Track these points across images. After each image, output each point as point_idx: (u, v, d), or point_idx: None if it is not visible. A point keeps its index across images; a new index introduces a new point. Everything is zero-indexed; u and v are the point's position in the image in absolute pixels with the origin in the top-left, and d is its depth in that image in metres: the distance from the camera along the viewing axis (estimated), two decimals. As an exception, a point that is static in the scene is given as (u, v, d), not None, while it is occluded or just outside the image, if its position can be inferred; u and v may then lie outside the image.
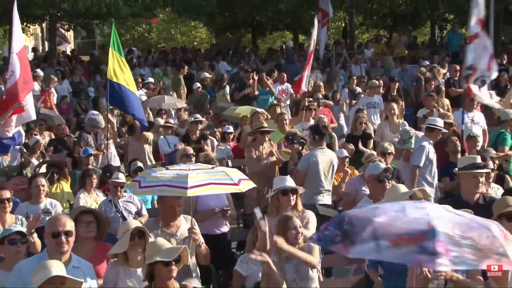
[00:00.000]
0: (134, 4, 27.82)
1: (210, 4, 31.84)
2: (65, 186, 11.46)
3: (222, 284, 8.33)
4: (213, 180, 7.09)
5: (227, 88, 21.64)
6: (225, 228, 9.14)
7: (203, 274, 8.30)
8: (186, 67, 23.33)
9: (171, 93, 20.33)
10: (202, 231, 8.38)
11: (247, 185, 7.49)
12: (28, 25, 33.40)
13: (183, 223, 7.14)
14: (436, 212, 4.77)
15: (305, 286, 6.66)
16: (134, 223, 6.74)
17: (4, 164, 13.21)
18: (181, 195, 7.02)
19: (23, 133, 13.22)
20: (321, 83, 19.05)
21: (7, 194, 8.08)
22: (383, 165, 9.12)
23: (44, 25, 34.61)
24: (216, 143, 14.56)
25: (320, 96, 17.20)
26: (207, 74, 22.53)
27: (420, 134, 11.84)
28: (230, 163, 13.28)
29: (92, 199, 10.12)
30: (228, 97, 20.70)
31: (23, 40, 12.91)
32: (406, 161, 10.85)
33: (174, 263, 5.75)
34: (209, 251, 7.37)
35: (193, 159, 10.75)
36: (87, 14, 28.06)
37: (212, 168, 7.67)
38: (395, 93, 18.22)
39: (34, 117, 13.75)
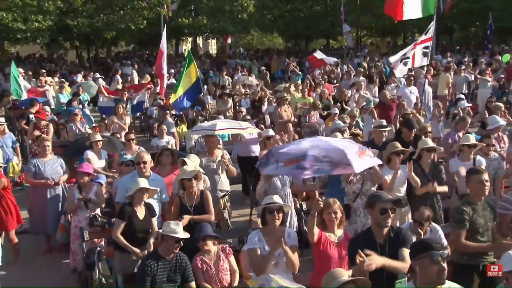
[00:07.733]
0: (237, 26, 26.92)
1: (280, 25, 31.33)
2: (184, 128, 11.10)
3: (254, 184, 7.80)
4: (231, 126, 7.12)
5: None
6: (257, 153, 8.32)
7: (243, 181, 7.95)
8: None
9: (252, 75, 19.30)
10: (244, 154, 7.95)
11: (250, 130, 7.45)
12: (183, 38, 33.16)
13: (220, 153, 6.48)
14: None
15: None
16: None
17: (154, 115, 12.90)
18: (211, 134, 6.56)
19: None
20: (334, 69, 17.56)
21: (132, 136, 7.62)
22: (342, 124, 8.14)
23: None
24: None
25: (325, 77, 15.78)
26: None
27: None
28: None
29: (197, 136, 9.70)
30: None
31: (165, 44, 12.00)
32: (368, 115, 9.69)
33: (193, 179, 5.08)
34: (235, 170, 6.74)
35: (244, 114, 10.13)
36: (213, 31, 27.43)
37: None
38: (373, 75, 15.79)
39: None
